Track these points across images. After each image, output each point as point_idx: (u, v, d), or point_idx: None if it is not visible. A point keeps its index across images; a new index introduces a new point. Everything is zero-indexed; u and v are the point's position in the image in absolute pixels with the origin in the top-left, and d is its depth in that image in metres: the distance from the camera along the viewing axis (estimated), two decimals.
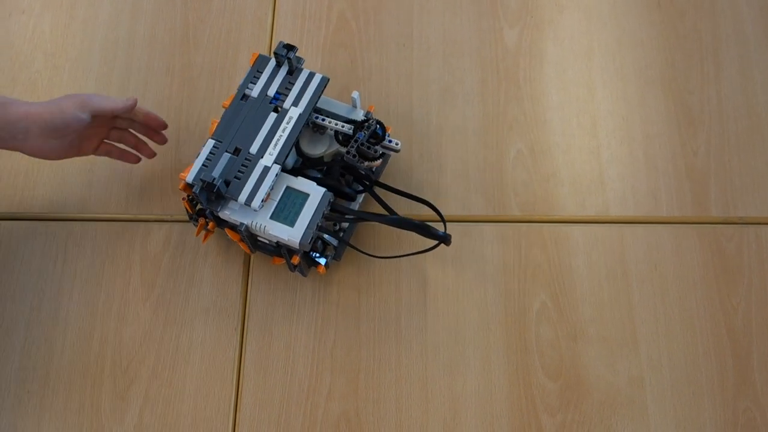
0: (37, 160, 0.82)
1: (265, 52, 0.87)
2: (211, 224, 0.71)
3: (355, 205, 0.76)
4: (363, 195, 0.77)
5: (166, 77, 0.86)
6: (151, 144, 0.78)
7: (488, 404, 0.72)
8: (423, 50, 0.88)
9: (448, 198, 0.81)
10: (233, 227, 0.70)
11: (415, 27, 0.89)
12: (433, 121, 0.84)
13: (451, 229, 0.78)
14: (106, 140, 0.75)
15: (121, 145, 0.76)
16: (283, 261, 0.73)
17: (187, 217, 0.79)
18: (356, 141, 0.71)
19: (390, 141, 0.73)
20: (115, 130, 0.75)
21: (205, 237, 0.74)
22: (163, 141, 0.77)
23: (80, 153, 0.73)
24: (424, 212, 0.78)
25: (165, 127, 0.76)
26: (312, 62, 0.87)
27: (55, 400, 0.73)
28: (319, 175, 0.73)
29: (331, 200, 0.69)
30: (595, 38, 0.88)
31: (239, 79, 0.86)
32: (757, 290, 0.77)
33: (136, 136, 0.76)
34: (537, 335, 0.75)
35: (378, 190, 0.79)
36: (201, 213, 0.72)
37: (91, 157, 0.82)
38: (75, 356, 0.74)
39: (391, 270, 0.77)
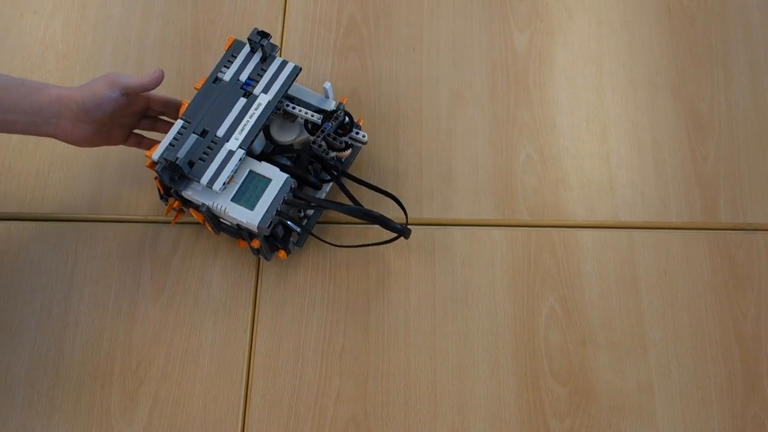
0: (50, 162, 0.82)
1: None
2: (176, 203, 0.72)
3: (321, 194, 0.77)
4: (330, 185, 0.77)
5: (176, 79, 0.86)
6: None
7: (497, 408, 0.72)
8: (433, 54, 0.88)
9: (458, 202, 0.81)
10: (197, 208, 0.70)
11: (425, 31, 0.89)
12: (443, 124, 0.84)
13: (461, 232, 0.79)
14: (136, 130, 0.76)
15: (152, 135, 0.77)
16: (246, 245, 0.74)
17: (196, 220, 0.79)
18: (323, 131, 0.72)
19: (357, 133, 0.74)
20: (147, 119, 0.76)
21: (175, 217, 0.75)
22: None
23: (111, 141, 0.74)
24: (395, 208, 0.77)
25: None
26: (322, 65, 0.87)
27: (65, 400, 0.73)
28: (288, 162, 0.74)
29: (293, 186, 0.70)
30: (605, 43, 0.89)
31: None
32: (766, 296, 0.77)
33: (168, 124, 0.77)
34: (546, 340, 0.75)
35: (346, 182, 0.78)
36: (169, 192, 0.73)
37: (102, 158, 0.83)
38: (85, 357, 0.74)
39: (400, 274, 0.77)
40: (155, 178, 0.71)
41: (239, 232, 0.72)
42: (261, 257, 0.77)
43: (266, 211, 0.68)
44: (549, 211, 0.80)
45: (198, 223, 0.79)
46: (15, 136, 0.84)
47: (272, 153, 0.75)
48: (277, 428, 0.72)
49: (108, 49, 0.88)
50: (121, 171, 0.82)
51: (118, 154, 0.83)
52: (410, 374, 0.74)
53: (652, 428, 0.72)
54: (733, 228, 0.80)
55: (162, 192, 0.73)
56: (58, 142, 0.83)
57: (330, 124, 0.73)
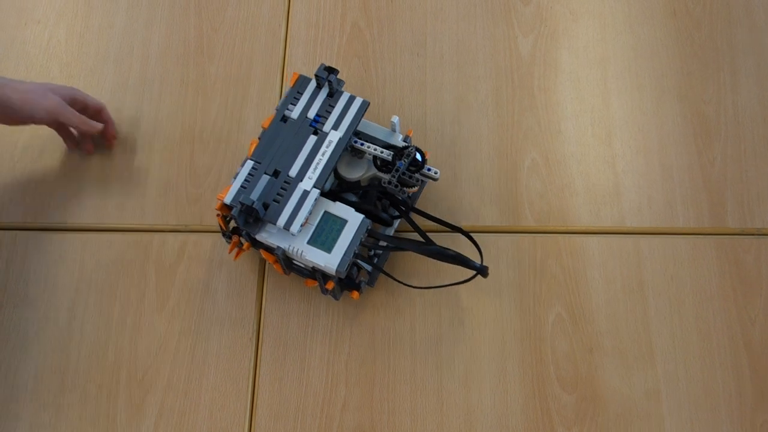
0: (56, 172, 0.82)
1: (278, 63, 0.87)
2: (246, 244, 0.70)
3: (391, 231, 0.76)
4: (398, 220, 0.76)
5: (180, 87, 0.86)
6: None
7: (504, 417, 0.72)
8: (436, 59, 0.88)
9: (462, 208, 0.80)
10: (269, 249, 0.69)
11: (428, 36, 0.89)
12: (447, 130, 0.84)
13: (466, 239, 0.78)
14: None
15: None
16: (316, 283, 0.73)
17: (201, 228, 0.79)
18: (397, 170, 0.71)
19: (429, 169, 0.72)
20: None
21: (237, 254, 0.74)
22: (108, 143, 0.83)
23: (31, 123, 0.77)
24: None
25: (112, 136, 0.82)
26: None
27: (71, 411, 0.73)
28: (355, 199, 0.72)
29: (369, 227, 0.68)
30: (609, 47, 0.88)
31: (254, 90, 0.86)
32: None
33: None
34: (552, 347, 0.74)
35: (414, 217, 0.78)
36: (236, 231, 0.72)
37: (107, 167, 0.83)
38: (90, 367, 0.74)
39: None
40: (218, 215, 0.71)
41: (312, 273, 0.71)
42: (330, 297, 0.76)
43: (344, 254, 0.66)
44: (554, 216, 0.80)
45: (201, 232, 0.79)
46: (20, 145, 0.84)
47: (338, 190, 0.73)
48: None
49: (111, 58, 0.88)
50: (126, 180, 0.82)
51: (122, 163, 0.83)
52: (416, 382, 0.73)
53: None
54: (741, 233, 0.79)
55: (225, 229, 0.72)
56: (63, 151, 0.84)
57: (403, 162, 0.71)
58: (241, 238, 0.73)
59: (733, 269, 0.77)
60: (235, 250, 0.74)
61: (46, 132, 0.84)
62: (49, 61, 0.88)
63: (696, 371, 0.73)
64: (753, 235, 0.79)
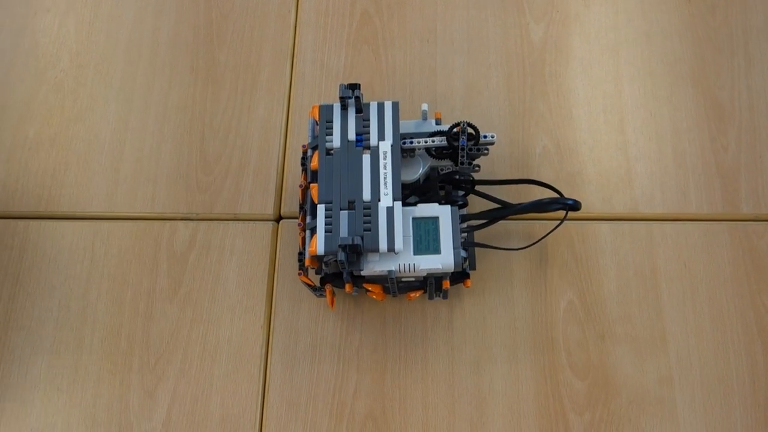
0: (66, 161, 0.82)
1: (288, 49, 0.87)
2: (347, 287, 0.68)
3: (465, 212, 0.74)
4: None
5: (190, 75, 0.86)
6: None
7: (515, 403, 0.72)
8: (447, 46, 0.87)
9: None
10: (373, 279, 0.68)
11: (439, 22, 0.88)
12: (458, 117, 0.84)
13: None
14: None
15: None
16: (418, 294, 0.72)
17: (212, 216, 0.80)
18: (462, 149, 0.70)
19: (485, 136, 0.72)
20: None
21: (333, 301, 0.74)
22: None
23: None
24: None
25: None
26: (336, 59, 0.86)
27: (85, 397, 0.73)
28: (419, 199, 0.71)
29: (459, 214, 0.68)
30: (622, 32, 0.87)
31: (263, 77, 0.86)
32: None
33: None
34: (564, 334, 0.74)
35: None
36: (325, 281, 0.71)
37: (117, 155, 0.83)
38: (103, 354, 0.75)
39: None
40: (300, 275, 0.69)
41: (423, 283, 0.70)
42: (439, 299, 0.75)
43: (454, 247, 0.65)
44: None
45: (217, 220, 0.79)
46: (32, 135, 0.84)
47: (404, 197, 0.71)
48: (294, 424, 0.72)
49: (121, 47, 0.88)
50: (137, 168, 0.82)
51: (132, 151, 0.83)
52: (427, 369, 0.73)
53: (673, 422, 0.71)
54: (754, 219, 0.78)
55: (313, 284, 0.71)
56: (74, 141, 0.84)
57: (463, 139, 0.70)
58: (333, 287, 0.71)
59: (747, 255, 0.77)
60: (331, 298, 0.73)
61: (56, 121, 0.85)
62: (59, 49, 0.88)
63: (709, 358, 0.73)
64: (767, 221, 0.78)
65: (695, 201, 0.79)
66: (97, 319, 0.76)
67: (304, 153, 0.74)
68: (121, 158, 0.83)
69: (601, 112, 0.83)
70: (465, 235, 0.71)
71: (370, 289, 0.70)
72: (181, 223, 0.80)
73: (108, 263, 0.78)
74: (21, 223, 0.80)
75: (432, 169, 0.72)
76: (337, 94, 0.85)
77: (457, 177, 0.71)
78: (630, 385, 0.72)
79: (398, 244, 0.65)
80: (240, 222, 0.79)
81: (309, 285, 0.71)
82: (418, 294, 0.72)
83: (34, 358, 0.75)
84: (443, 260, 0.65)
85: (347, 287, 0.68)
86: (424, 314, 0.75)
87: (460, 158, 0.69)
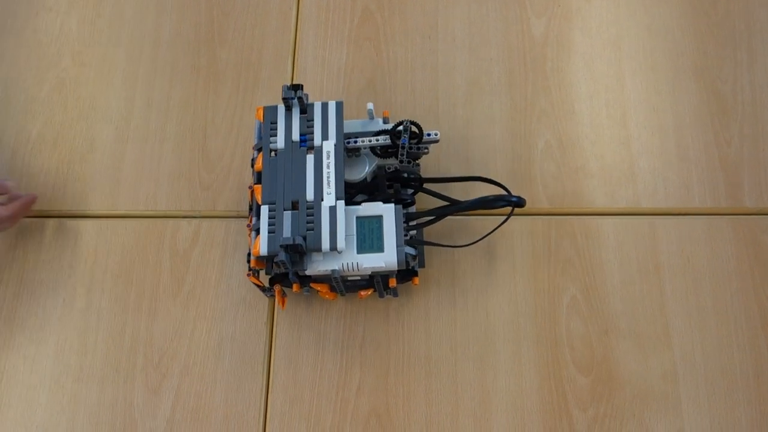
0: (69, 159, 0.83)
1: (289, 46, 0.87)
2: (295, 286, 0.69)
3: (413, 209, 0.75)
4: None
5: (191, 73, 0.86)
6: None
7: (519, 399, 0.72)
8: (448, 42, 0.87)
9: (476, 191, 0.80)
10: (320, 279, 0.68)
11: (440, 18, 0.88)
12: (459, 113, 0.84)
13: (480, 222, 0.78)
14: None
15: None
16: (369, 293, 0.72)
17: (214, 214, 0.80)
18: (403, 147, 0.70)
19: (429, 135, 0.72)
20: None
21: (284, 302, 0.74)
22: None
23: None
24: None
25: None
26: (337, 56, 0.86)
27: (89, 395, 0.73)
28: (367, 197, 0.71)
29: (403, 212, 0.68)
30: (624, 27, 0.87)
31: (264, 74, 0.86)
32: None
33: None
34: (567, 329, 0.74)
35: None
36: (274, 281, 0.71)
37: (119, 154, 0.83)
38: (107, 352, 0.75)
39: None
40: (249, 275, 0.70)
41: (370, 282, 0.70)
42: (390, 296, 0.75)
43: (398, 246, 0.66)
44: (569, 198, 0.79)
45: (214, 217, 0.80)
46: (34, 134, 0.84)
47: (350, 196, 0.72)
48: (298, 420, 0.72)
49: (123, 45, 0.88)
50: (139, 167, 0.82)
51: (133, 149, 0.83)
52: (431, 365, 0.73)
53: (677, 417, 0.71)
54: (758, 213, 0.78)
55: (262, 285, 0.71)
56: (76, 140, 0.84)
57: (405, 138, 0.70)
58: (283, 288, 0.72)
59: (751, 249, 0.77)
60: (281, 299, 0.73)
61: (59, 120, 0.85)
62: (61, 48, 0.88)
63: (713, 353, 0.73)
64: None
65: (698, 195, 0.79)
66: (101, 317, 0.76)
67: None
68: (124, 157, 0.83)
69: (603, 106, 0.83)
70: (413, 233, 0.71)
71: (318, 289, 0.70)
72: (183, 221, 0.80)
73: (111, 261, 0.78)
74: (23, 222, 0.80)
75: (379, 168, 0.72)
76: (337, 92, 0.85)
77: (406, 175, 0.72)
78: (634, 380, 0.72)
79: (340, 243, 0.65)
80: (242, 219, 0.79)
81: (258, 285, 0.71)
82: (369, 292, 0.72)
83: (38, 357, 0.75)
84: (386, 258, 0.65)
85: (294, 287, 0.69)
86: (427, 311, 0.75)
87: (400, 156, 0.70)
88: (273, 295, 0.75)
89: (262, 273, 0.72)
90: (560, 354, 0.73)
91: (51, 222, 0.80)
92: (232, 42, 0.88)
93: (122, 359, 0.75)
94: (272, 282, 0.71)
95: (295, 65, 0.86)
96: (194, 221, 0.80)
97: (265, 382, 0.74)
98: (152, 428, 0.72)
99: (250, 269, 0.69)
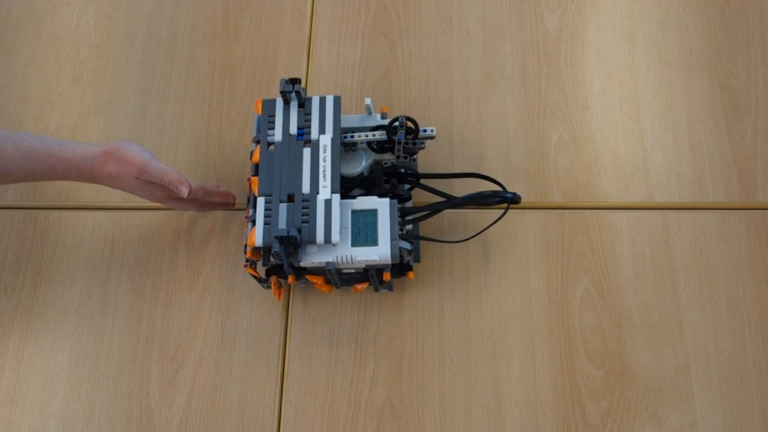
0: None
1: (304, 41, 0.88)
2: (290, 278, 0.70)
3: (410, 205, 0.76)
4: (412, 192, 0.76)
5: (207, 67, 0.87)
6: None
7: (532, 391, 0.72)
8: (462, 36, 0.87)
9: (489, 185, 0.80)
10: (315, 271, 0.69)
11: (454, 13, 0.89)
12: (474, 107, 0.84)
13: (493, 215, 0.78)
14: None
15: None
16: (365, 286, 0.73)
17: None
18: (399, 143, 0.71)
19: (424, 131, 0.73)
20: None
21: (280, 293, 0.75)
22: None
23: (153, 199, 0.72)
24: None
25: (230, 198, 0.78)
26: (351, 50, 0.87)
27: (106, 385, 0.74)
28: (364, 191, 0.72)
29: (399, 206, 0.69)
30: (637, 22, 0.87)
31: (280, 68, 0.86)
32: None
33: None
34: (581, 322, 0.74)
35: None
36: (270, 273, 0.72)
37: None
38: (124, 342, 0.76)
39: (433, 257, 0.77)
40: (246, 266, 0.70)
41: (365, 274, 0.71)
42: (385, 291, 0.76)
43: (392, 240, 0.67)
44: (582, 192, 0.80)
45: (235, 210, 0.80)
46: (51, 127, 0.85)
47: (346, 190, 0.73)
48: (313, 411, 0.73)
49: (140, 39, 0.89)
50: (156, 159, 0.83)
51: (150, 142, 0.84)
52: (444, 357, 0.74)
53: (690, 410, 0.71)
54: None
55: (259, 276, 0.72)
56: (93, 132, 0.85)
57: (400, 134, 0.71)
58: (279, 279, 0.73)
59: (764, 244, 0.77)
60: (277, 290, 0.74)
61: (76, 112, 0.86)
62: (79, 42, 0.89)
63: (726, 346, 0.73)
64: None
65: (711, 190, 0.79)
66: (118, 308, 0.77)
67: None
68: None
69: (617, 101, 0.84)
70: (409, 227, 0.72)
71: (314, 281, 0.71)
72: (199, 213, 0.80)
73: (128, 253, 0.79)
74: (42, 213, 0.81)
75: (376, 162, 0.73)
76: (351, 87, 0.85)
77: (403, 170, 0.72)
78: (647, 373, 0.72)
79: (335, 236, 0.66)
80: None
81: (255, 277, 0.72)
82: (364, 286, 0.73)
83: (56, 346, 0.76)
84: (380, 252, 0.66)
85: (290, 278, 0.70)
86: (441, 303, 0.76)
87: (396, 152, 0.71)
88: (269, 287, 0.75)
89: (260, 264, 0.73)
90: (573, 347, 0.74)
91: (69, 214, 0.81)
92: (248, 36, 0.88)
93: (138, 349, 0.75)
94: (269, 273, 0.72)
95: (310, 60, 0.87)
96: (210, 213, 0.80)
97: (279, 373, 0.74)
98: (168, 417, 0.73)
99: (246, 260, 0.70)
